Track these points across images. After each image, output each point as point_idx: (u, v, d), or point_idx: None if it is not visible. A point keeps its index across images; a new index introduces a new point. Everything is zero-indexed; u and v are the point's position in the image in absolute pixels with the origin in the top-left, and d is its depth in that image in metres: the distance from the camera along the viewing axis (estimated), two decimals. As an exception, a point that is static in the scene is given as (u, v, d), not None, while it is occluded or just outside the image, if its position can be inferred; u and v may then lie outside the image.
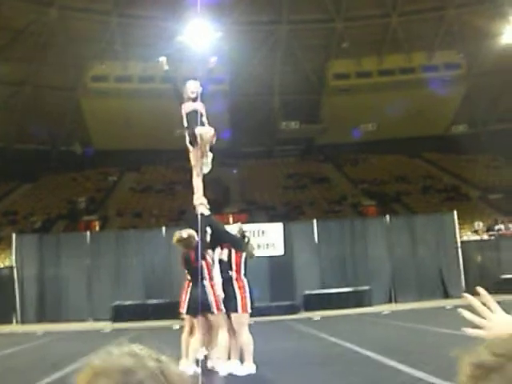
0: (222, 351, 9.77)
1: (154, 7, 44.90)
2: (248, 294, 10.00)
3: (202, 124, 10.13)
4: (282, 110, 51.44)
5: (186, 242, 9.83)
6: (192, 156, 10.18)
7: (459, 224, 30.28)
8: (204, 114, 10.35)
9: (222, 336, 9.74)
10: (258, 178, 48.24)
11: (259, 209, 41.00)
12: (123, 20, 45.82)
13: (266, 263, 27.54)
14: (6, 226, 38.17)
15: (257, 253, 26.30)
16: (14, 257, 28.25)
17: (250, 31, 47.22)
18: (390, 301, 27.94)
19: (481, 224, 35.45)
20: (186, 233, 9.86)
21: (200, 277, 9.57)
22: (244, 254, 10.17)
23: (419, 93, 48.16)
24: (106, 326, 24.17)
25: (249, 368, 9.77)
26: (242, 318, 9.88)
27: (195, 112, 10.22)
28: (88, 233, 29.93)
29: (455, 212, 29.56)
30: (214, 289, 9.78)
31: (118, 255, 28.28)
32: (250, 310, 10.02)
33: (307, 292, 26.85)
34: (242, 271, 10.11)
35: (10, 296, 27.32)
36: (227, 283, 10.04)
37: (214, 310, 9.64)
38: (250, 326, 10.29)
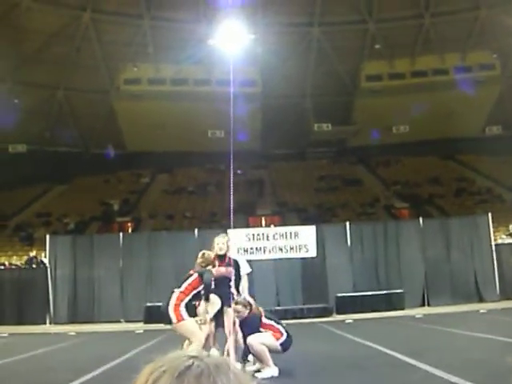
0: None
1: (185, 10, 45.09)
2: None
3: (230, 288, 10.59)
4: (315, 112, 51.34)
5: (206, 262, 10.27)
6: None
7: (493, 227, 29.95)
8: (232, 278, 10.69)
9: (195, 346, 9.70)
10: (290, 180, 48.19)
11: (291, 211, 40.94)
12: (155, 23, 46.06)
13: (299, 266, 27.55)
14: (39, 228, 38.54)
15: (289, 255, 26.48)
16: (47, 258, 28.52)
17: (283, 33, 47.19)
18: (423, 304, 27.71)
19: (515, 227, 35.00)
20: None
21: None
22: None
23: (452, 94, 47.72)
24: (139, 327, 24.29)
25: (271, 371, 9.78)
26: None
27: (225, 278, 10.52)
28: (121, 234, 30.07)
29: (489, 214, 29.25)
30: (178, 301, 9.79)
31: (151, 257, 28.40)
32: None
33: (340, 295, 26.72)
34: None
35: (43, 297, 27.60)
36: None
37: (174, 321, 9.69)
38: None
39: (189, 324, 9.77)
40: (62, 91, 48.13)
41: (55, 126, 48.29)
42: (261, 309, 10.52)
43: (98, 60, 47.02)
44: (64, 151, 49.47)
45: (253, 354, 10.19)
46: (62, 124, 48.22)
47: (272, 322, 10.30)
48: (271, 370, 9.78)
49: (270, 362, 9.85)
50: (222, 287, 10.40)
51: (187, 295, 9.84)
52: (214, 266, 10.25)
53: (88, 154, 51.01)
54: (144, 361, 1.24)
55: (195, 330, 9.84)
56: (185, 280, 10.00)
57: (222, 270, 10.43)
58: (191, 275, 10.01)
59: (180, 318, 9.64)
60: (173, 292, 9.89)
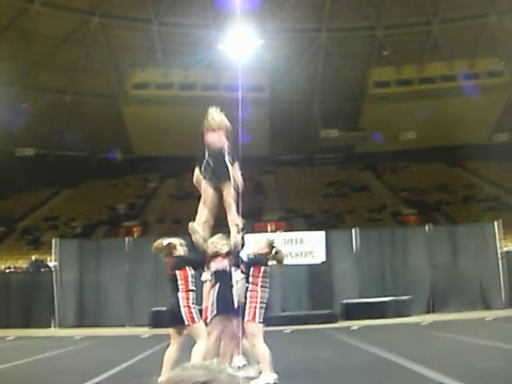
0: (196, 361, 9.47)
1: (194, 15, 45.19)
2: (260, 305, 9.71)
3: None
4: (322, 118, 51.35)
5: (167, 250, 9.73)
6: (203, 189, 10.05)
7: (501, 234, 29.79)
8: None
9: (198, 346, 9.45)
10: (298, 185, 48.17)
11: (298, 217, 40.90)
12: (164, 28, 46.17)
13: (305, 271, 27.47)
14: (46, 231, 38.64)
15: (295, 261, 26.36)
16: (55, 262, 28.52)
17: (291, 39, 47.26)
18: (429, 311, 27.59)
19: (523, 234, 34.86)
20: (166, 241, 9.77)
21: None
22: (263, 269, 9.96)
23: (460, 101, 47.66)
24: (145, 331, 24.27)
25: (267, 377, 9.45)
26: (252, 328, 9.63)
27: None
28: (128, 239, 30.04)
29: (496, 222, 29.11)
30: (189, 301, 9.41)
31: (157, 261, 28.25)
32: (260, 320, 9.69)
33: (346, 301, 26.63)
34: (260, 284, 9.90)
35: (49, 300, 27.61)
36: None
37: (188, 321, 9.37)
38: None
39: (200, 328, 9.58)
40: (70, 95, 48.25)
41: (63, 130, 48.35)
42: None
43: (107, 64, 47.17)
44: (71, 155, 49.62)
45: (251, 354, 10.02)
46: (70, 128, 48.32)
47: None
48: (267, 377, 9.45)
49: (269, 367, 9.53)
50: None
51: (189, 291, 9.65)
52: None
53: (95, 158, 51.14)
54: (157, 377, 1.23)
55: (204, 334, 9.66)
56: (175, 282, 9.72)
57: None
58: (173, 275, 9.74)
59: (192, 320, 9.44)
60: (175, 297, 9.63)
